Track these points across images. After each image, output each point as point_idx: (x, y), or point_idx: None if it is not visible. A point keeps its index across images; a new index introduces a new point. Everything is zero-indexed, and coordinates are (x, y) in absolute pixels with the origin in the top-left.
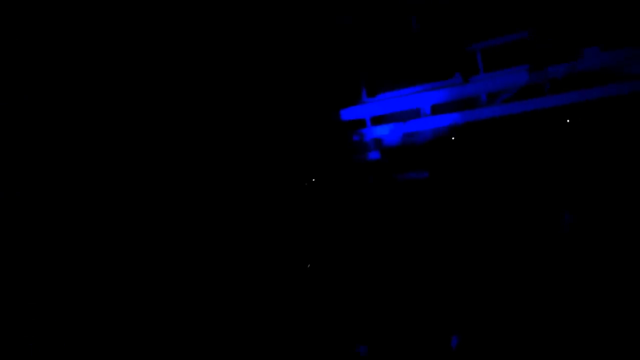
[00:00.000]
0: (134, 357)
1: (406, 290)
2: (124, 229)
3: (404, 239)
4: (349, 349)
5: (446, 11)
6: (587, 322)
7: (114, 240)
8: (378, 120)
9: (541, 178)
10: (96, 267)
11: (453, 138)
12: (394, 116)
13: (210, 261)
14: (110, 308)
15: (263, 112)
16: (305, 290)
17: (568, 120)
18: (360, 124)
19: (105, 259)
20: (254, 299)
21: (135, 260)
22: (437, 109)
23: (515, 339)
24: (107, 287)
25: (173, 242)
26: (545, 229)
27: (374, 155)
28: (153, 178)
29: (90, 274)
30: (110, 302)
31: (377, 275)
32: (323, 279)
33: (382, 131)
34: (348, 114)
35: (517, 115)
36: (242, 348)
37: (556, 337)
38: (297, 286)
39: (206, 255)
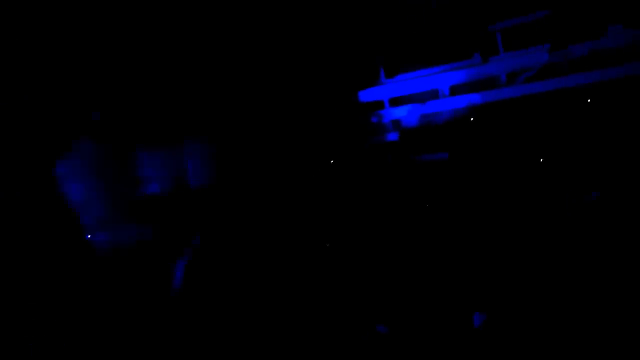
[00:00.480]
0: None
1: (426, 269)
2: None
3: (424, 219)
4: (369, 328)
5: None
6: (608, 301)
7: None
8: (396, 102)
9: (562, 159)
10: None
11: (472, 119)
12: (413, 97)
13: (228, 237)
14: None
15: (280, 94)
16: (325, 270)
17: (589, 100)
18: (378, 105)
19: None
20: (272, 279)
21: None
22: (456, 90)
23: (538, 316)
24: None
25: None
26: (567, 210)
27: (392, 136)
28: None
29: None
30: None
31: (397, 255)
32: (342, 259)
33: (400, 112)
34: (366, 95)
35: (538, 95)
36: (260, 328)
37: (578, 316)
38: (317, 266)
39: (225, 229)
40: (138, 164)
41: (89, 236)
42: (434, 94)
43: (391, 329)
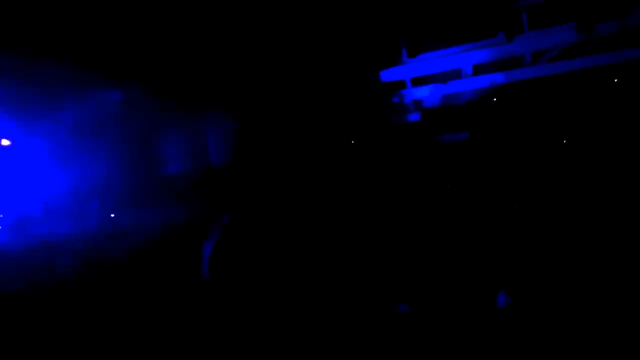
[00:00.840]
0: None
1: (448, 248)
2: None
3: (445, 199)
4: (391, 307)
5: None
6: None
7: None
8: (418, 82)
9: (588, 139)
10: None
11: (495, 99)
12: (435, 77)
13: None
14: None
15: (302, 73)
16: (351, 250)
17: (616, 80)
18: (400, 85)
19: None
20: (300, 258)
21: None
22: (478, 69)
23: (561, 295)
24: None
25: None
26: (594, 188)
27: (414, 116)
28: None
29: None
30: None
31: (418, 234)
32: (364, 237)
33: (422, 92)
34: (388, 75)
35: (563, 74)
36: (288, 308)
37: (598, 294)
38: (342, 245)
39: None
40: (162, 143)
41: (113, 215)
42: (456, 74)
43: (414, 308)
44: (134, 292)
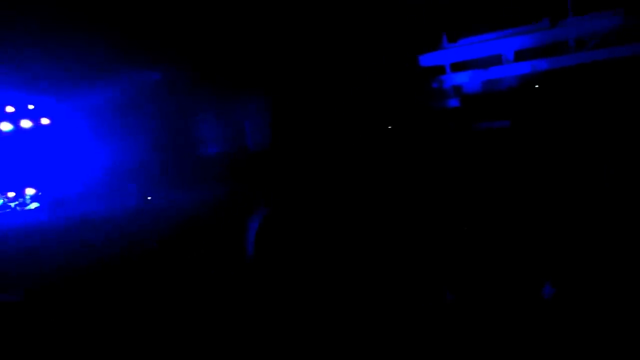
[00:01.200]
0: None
1: (491, 237)
2: None
3: (486, 187)
4: (439, 295)
5: None
6: None
7: None
8: (458, 67)
9: (636, 128)
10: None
11: (537, 86)
12: (475, 62)
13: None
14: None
15: (340, 56)
16: (393, 235)
17: None
18: (439, 70)
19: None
20: (343, 241)
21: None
22: (520, 55)
23: (609, 287)
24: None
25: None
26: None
27: (453, 102)
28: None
29: None
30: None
31: (460, 221)
32: (410, 224)
33: (462, 78)
34: (427, 59)
35: (609, 61)
36: (333, 290)
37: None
38: (380, 229)
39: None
40: (199, 126)
41: (149, 197)
42: (497, 60)
43: (460, 296)
44: (171, 271)
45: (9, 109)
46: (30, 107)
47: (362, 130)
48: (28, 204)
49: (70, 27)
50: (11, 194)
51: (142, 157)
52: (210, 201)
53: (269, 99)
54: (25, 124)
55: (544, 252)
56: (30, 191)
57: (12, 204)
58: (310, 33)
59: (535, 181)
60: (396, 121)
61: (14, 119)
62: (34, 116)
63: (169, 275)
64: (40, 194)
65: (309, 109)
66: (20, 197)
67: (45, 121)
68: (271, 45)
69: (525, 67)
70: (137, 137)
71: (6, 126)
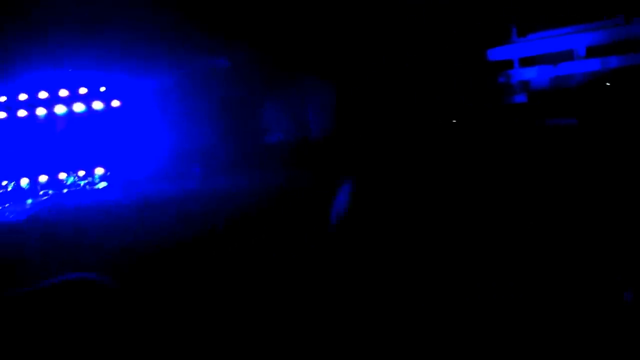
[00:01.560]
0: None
1: (559, 237)
2: None
3: (554, 185)
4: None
5: None
6: None
7: None
8: (527, 62)
9: None
10: None
11: (608, 84)
12: (544, 58)
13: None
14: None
15: (406, 47)
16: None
17: None
18: (507, 65)
19: None
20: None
21: None
22: (592, 52)
23: None
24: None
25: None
26: None
27: (520, 98)
28: None
29: None
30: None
31: (526, 220)
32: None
33: (530, 73)
34: (495, 54)
35: None
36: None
37: None
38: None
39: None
40: (264, 112)
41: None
42: (567, 55)
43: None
44: (236, 253)
45: (82, 90)
46: (102, 89)
47: (426, 123)
48: (97, 183)
49: (143, 13)
50: (81, 173)
51: (207, 142)
52: (271, 186)
53: (334, 88)
54: (97, 105)
55: (622, 253)
56: (99, 171)
57: (82, 183)
58: (379, 22)
59: (607, 181)
60: (461, 115)
61: (86, 100)
62: (105, 98)
63: (233, 257)
64: (108, 174)
65: (374, 100)
66: (90, 176)
67: (116, 103)
68: (339, 35)
69: (596, 64)
70: (204, 121)
71: (79, 107)
